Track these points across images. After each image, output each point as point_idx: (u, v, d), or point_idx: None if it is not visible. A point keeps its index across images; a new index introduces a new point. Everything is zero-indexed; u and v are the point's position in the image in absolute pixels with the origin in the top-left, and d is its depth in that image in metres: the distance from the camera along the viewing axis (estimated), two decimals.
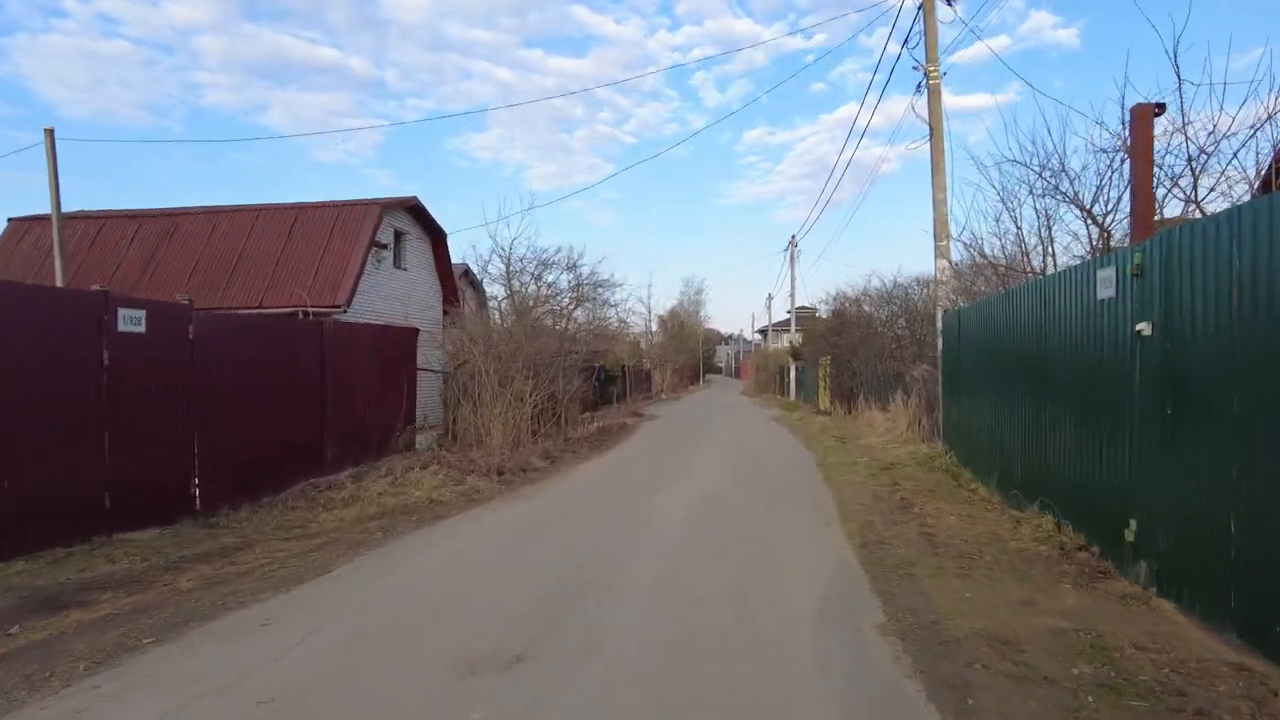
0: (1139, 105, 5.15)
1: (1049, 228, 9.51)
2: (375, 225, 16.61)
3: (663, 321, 65.03)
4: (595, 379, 32.19)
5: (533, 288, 23.94)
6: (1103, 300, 5.59)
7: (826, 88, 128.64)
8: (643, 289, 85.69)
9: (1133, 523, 5.02)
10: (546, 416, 16.16)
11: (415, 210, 18.98)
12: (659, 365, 54.41)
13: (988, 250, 11.49)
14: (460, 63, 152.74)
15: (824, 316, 28.73)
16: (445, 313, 19.59)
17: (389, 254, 17.85)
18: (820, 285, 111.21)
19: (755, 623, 4.54)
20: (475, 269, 23.69)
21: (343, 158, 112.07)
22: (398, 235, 18.69)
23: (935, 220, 12.82)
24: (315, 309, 15.40)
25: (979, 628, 4.36)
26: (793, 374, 36.01)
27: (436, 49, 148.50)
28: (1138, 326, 4.99)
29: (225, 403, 8.74)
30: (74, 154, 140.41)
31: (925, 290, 23.55)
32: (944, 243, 12.76)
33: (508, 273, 16.05)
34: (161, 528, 7.72)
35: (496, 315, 21.86)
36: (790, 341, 37.69)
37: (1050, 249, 9.62)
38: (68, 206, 15.97)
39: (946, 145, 12.88)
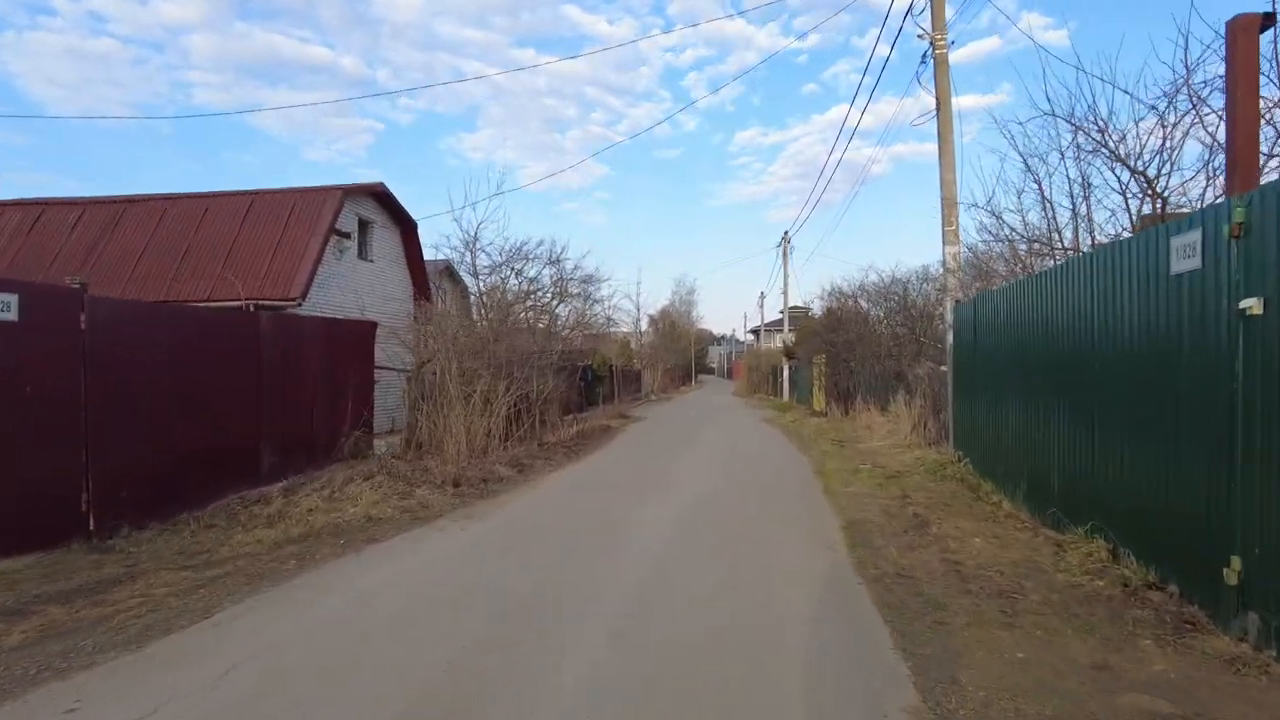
0: (1240, 17, 4.00)
1: (1086, 198, 8.30)
2: (335, 212, 15.35)
3: (653, 321, 63.86)
4: (581, 379, 30.98)
5: (513, 282, 22.76)
6: (1180, 274, 4.42)
7: (819, 88, 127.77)
8: (631, 286, 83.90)
9: (1236, 561, 3.85)
10: (523, 419, 14.95)
11: (382, 197, 17.71)
12: (649, 365, 53.23)
13: (1008, 224, 10.26)
14: (452, 62, 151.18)
15: (818, 314, 27.59)
16: (418, 308, 18.33)
17: (352, 244, 16.58)
18: (814, 285, 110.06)
19: (743, 711, 3.34)
20: (456, 262, 22.47)
21: (334, 157, 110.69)
22: (363, 224, 17.44)
23: (943, 202, 11.68)
24: (268, 301, 14.14)
25: (1049, 714, 3.17)
26: (786, 374, 34.87)
27: (428, 48, 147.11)
28: (1242, 304, 3.82)
29: (131, 405, 7.48)
30: (67, 156, 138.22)
31: (925, 285, 22.50)
32: (952, 227, 11.61)
33: (473, 261, 14.78)
34: (42, 552, 6.46)
35: (478, 311, 20.68)
36: (783, 341, 36.56)
37: (1088, 223, 8.41)
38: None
39: (955, 125, 11.75)
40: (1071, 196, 8.41)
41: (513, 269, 21.91)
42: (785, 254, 35.76)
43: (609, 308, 28.13)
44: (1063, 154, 8.45)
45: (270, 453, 9.60)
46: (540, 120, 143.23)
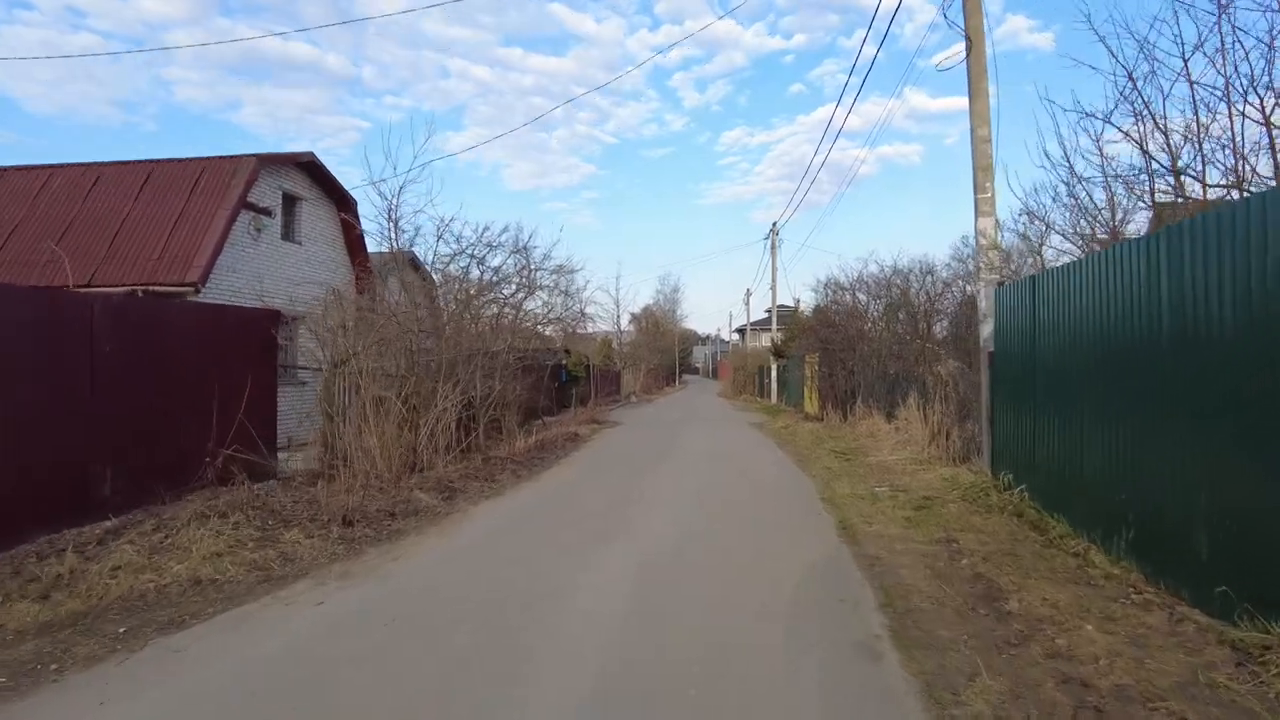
0: None
1: (1205, 125, 6.01)
2: (248, 183, 12.94)
3: (636, 319, 61.62)
4: (555, 380, 28.67)
5: (475, 272, 20.50)
6: None
7: (805, 89, 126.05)
8: (610, 280, 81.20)
9: None
10: (473, 428, 12.65)
11: (313, 170, 15.30)
12: (631, 365, 50.98)
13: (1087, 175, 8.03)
14: (438, 60, 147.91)
15: (812, 308, 25.44)
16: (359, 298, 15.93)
17: (273, 222, 14.17)
18: (802, 284, 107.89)
19: None
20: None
21: (319, 155, 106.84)
22: (290, 201, 15.03)
23: (974, 163, 9.51)
24: (160, 286, 11.74)
25: None
26: (774, 374, 32.76)
27: (414, 46, 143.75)
28: None
29: None
30: (52, 155, 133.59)
31: (927, 278, 20.44)
32: (986, 195, 9.44)
33: (394, 235, 12.39)
34: None
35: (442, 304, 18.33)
36: (772, 339, 34.44)
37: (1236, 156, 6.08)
38: None
39: (990, 69, 9.58)
40: (1195, 127, 6.09)
41: (473, 256, 19.66)
42: (774, 247, 33.64)
43: (582, 301, 25.75)
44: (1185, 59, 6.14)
45: (113, 477, 7.25)
46: (526, 119, 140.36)
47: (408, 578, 5.58)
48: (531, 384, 21.86)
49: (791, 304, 34.30)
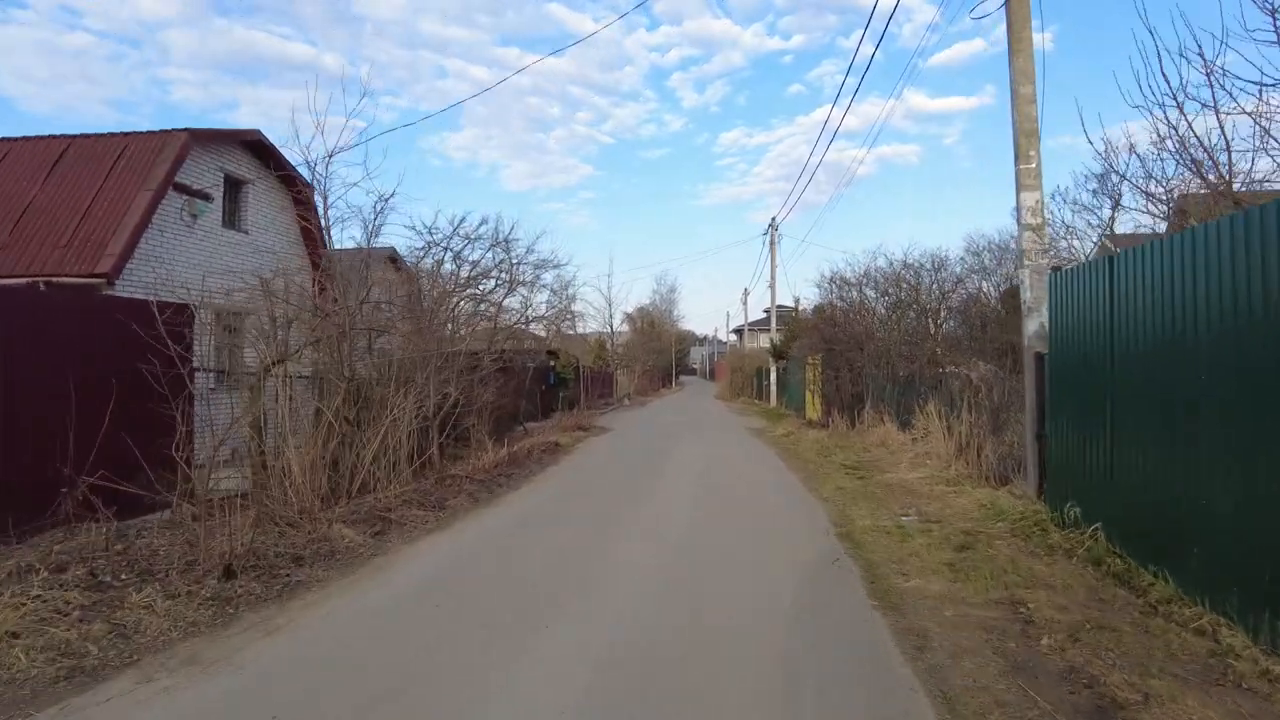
0: None
1: None
2: (177, 161, 11.36)
3: (632, 320, 60.02)
4: (541, 383, 27.10)
5: (450, 266, 18.96)
6: None
7: (804, 89, 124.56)
8: (602, 278, 78.61)
9: None
10: (445, 437, 11.10)
11: (261, 151, 13.70)
12: (626, 366, 49.42)
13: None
14: (435, 60, 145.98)
15: (815, 307, 23.88)
16: (319, 293, 14.36)
17: (211, 207, 12.58)
18: (805, 278, 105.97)
19: None
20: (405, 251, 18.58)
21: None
22: (233, 184, 13.45)
23: (1016, 128, 7.98)
24: (66, 278, 10.16)
25: None
26: (773, 376, 31.23)
27: (411, 46, 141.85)
28: None
29: None
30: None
31: (940, 274, 18.96)
32: (1031, 165, 7.91)
33: (325, 213, 10.73)
34: None
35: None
36: (771, 340, 32.92)
37: None
38: None
39: (1035, 12, 8.04)
40: None
41: (447, 249, 18.14)
42: (773, 242, 32.11)
43: (568, 298, 24.18)
44: None
45: None
46: (524, 119, 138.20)
47: (281, 665, 4.02)
48: (513, 388, 20.30)
49: (790, 304, 32.81)
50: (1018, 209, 8.00)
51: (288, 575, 5.55)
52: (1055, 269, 7.01)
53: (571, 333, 39.73)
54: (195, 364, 9.21)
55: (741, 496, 9.12)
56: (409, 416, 9.52)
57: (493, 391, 17.19)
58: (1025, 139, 7.93)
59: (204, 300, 8.72)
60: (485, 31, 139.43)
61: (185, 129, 11.67)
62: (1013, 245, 19.33)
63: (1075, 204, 9.02)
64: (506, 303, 20.48)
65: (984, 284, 19.81)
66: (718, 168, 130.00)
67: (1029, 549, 6.04)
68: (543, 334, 35.02)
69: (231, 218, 13.45)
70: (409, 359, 10.93)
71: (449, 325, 13.33)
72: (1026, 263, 7.87)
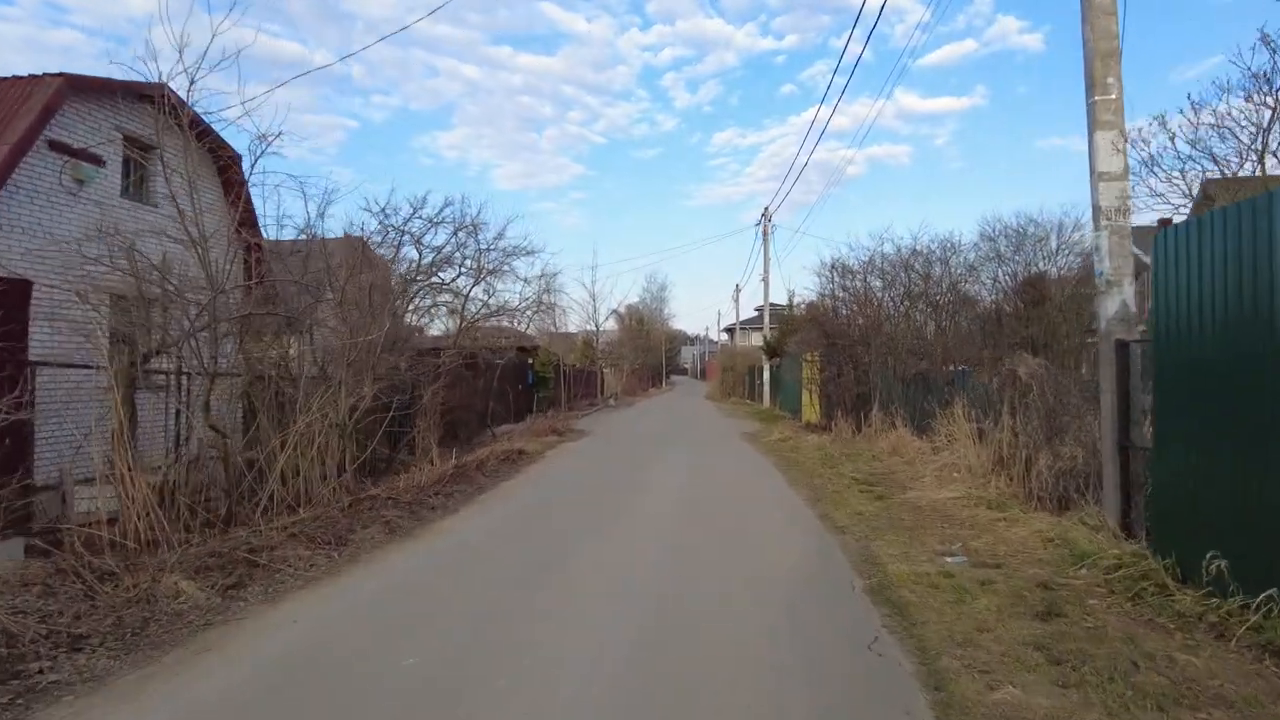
0: None
1: None
2: (46, 111, 9.38)
3: (621, 318, 58.03)
4: (519, 382, 25.17)
5: (410, 252, 17.03)
6: None
7: (797, 89, 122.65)
8: (586, 272, 75.57)
9: None
10: (369, 451, 9.18)
11: (174, 109, 11.67)
12: (614, 365, 47.51)
13: None
14: (426, 59, 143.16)
15: (814, 297, 22.01)
16: (255, 281, 12.37)
17: (101, 173, 10.59)
18: (804, 266, 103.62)
19: None
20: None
21: (305, 155, 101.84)
22: (139, 149, 11.46)
23: (1089, 48, 6.14)
24: None
25: None
26: (766, 374, 29.41)
27: (402, 44, 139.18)
28: None
29: None
30: None
31: (954, 256, 17.20)
32: (1109, 95, 6.07)
33: (187, 138, 8.75)
34: None
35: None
36: (764, 335, 31.10)
37: None
38: None
39: None
40: None
41: (402, 231, 16.20)
42: (766, 233, 30.27)
43: (541, 287, 22.24)
44: None
45: None
46: (516, 119, 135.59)
47: None
48: (482, 388, 18.37)
49: (783, 303, 31.00)
50: (1091, 154, 6.16)
51: (38, 674, 3.63)
52: (1164, 224, 5.18)
53: (553, 330, 37.85)
54: (34, 356, 7.33)
55: (733, 528, 7.16)
56: (323, 426, 7.61)
57: (460, 393, 15.25)
58: (1101, 62, 6.10)
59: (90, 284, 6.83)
60: (477, 30, 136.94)
61: (60, 73, 9.69)
62: (1031, 231, 17.56)
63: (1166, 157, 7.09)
64: (474, 293, 18.61)
65: (999, 271, 18.08)
66: (710, 168, 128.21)
67: (1147, 618, 4.20)
68: (531, 331, 33.13)
69: (135, 188, 11.48)
70: (339, 356, 9.05)
71: (395, 317, 11.41)
72: (1104, 223, 6.03)
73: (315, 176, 35.18)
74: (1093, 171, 6.13)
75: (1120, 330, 5.94)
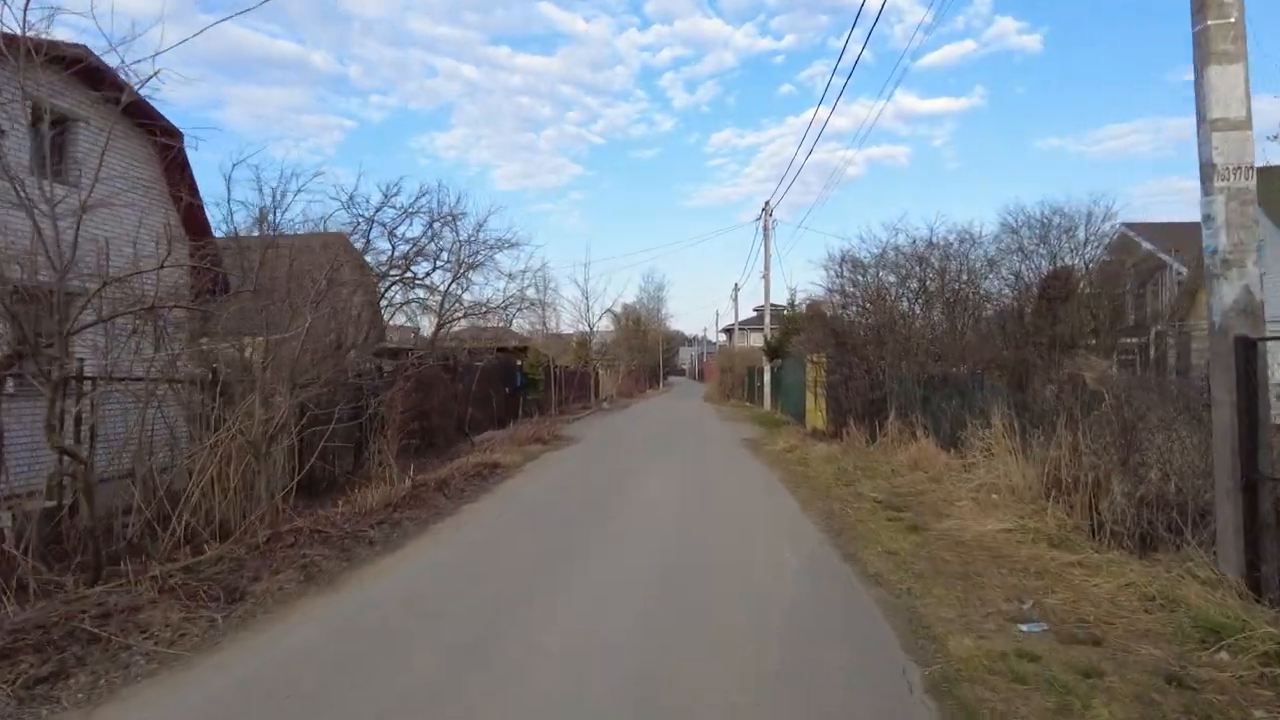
0: None
1: None
2: None
3: (616, 318, 56.58)
4: (506, 384, 23.76)
5: (384, 245, 15.74)
6: None
7: (795, 89, 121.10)
8: (579, 269, 73.51)
9: None
10: (305, 468, 7.79)
11: (97, 78, 10.23)
12: (609, 365, 46.12)
13: None
14: (425, 59, 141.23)
15: (816, 297, 20.59)
16: (203, 279, 10.96)
17: (11, 147, 9.17)
18: (810, 259, 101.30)
19: None
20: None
21: (303, 155, 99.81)
22: (56, 122, 10.08)
23: None
24: None
25: None
26: (767, 376, 28.01)
27: (400, 45, 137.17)
28: None
29: None
30: None
31: (974, 249, 15.87)
32: (1227, 19, 4.69)
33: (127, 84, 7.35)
34: None
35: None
36: (765, 335, 29.72)
37: None
38: None
39: None
40: None
41: (374, 222, 14.85)
42: (766, 228, 28.89)
43: (525, 284, 20.87)
44: None
45: None
46: (515, 119, 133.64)
47: None
48: (461, 392, 16.96)
49: (783, 303, 29.61)
50: (1199, 95, 4.77)
51: None
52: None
53: (545, 330, 36.44)
54: None
55: (735, 582, 5.64)
56: (227, 443, 6.21)
57: (436, 398, 13.90)
58: None
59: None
60: (475, 30, 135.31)
61: None
62: (1057, 221, 16.12)
63: None
64: (451, 289, 17.24)
65: (1022, 266, 16.75)
66: (708, 168, 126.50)
67: None
68: (519, 329, 31.65)
69: (52, 165, 10.06)
70: (273, 359, 7.67)
71: (338, 314, 10.03)
72: (1219, 184, 4.64)
73: (304, 171, 33.65)
74: (1201, 118, 4.75)
75: (1242, 324, 4.55)
